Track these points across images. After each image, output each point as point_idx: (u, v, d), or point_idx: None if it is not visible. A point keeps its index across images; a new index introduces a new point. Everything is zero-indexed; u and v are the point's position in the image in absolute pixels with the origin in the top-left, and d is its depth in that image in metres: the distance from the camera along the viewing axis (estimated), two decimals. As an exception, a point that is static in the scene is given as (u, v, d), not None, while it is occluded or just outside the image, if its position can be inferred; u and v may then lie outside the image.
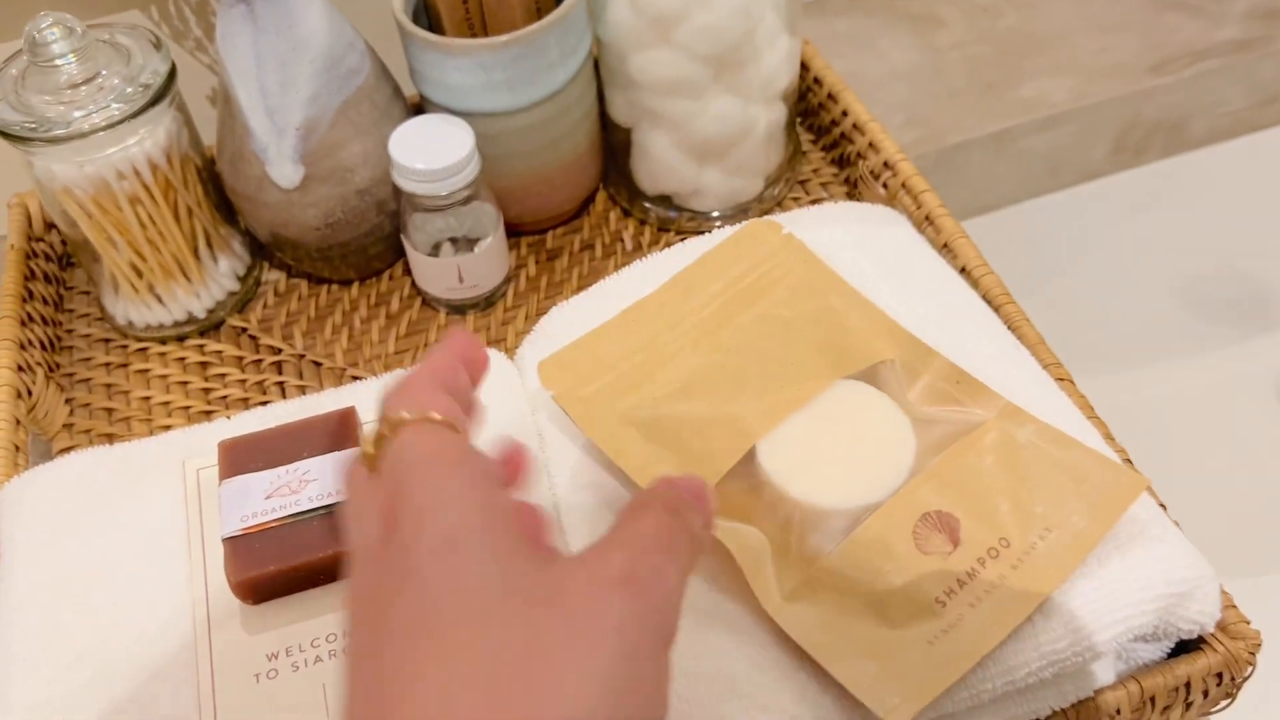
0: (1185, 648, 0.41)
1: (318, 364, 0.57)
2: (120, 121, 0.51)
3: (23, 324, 0.56)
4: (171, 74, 0.53)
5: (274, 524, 0.41)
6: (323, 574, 0.41)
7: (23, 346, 0.55)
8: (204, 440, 0.48)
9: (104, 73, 0.52)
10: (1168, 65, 0.71)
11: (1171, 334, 0.66)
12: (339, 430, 0.44)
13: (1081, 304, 0.67)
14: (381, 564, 0.26)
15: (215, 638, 0.40)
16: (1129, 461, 0.44)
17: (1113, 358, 0.64)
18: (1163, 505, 0.43)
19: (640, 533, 0.28)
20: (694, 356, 0.45)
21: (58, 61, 0.50)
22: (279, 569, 0.40)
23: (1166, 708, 0.40)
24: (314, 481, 0.42)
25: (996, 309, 0.50)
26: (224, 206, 0.59)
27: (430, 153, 0.52)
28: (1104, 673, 0.39)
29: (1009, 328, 0.49)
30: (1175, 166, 0.73)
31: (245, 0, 0.50)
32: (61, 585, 0.42)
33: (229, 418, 0.49)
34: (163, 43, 0.53)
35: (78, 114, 0.50)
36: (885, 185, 0.59)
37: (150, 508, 0.45)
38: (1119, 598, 0.38)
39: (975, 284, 0.52)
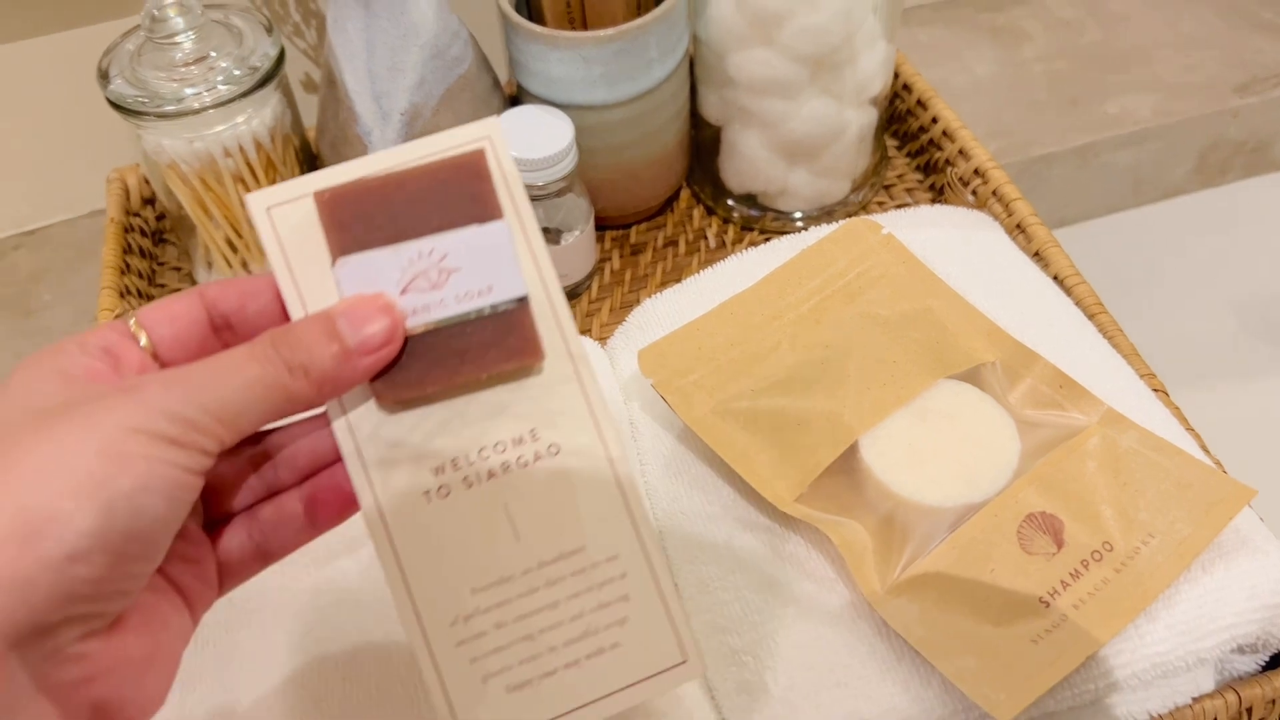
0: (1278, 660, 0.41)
1: (406, 347, 0.58)
2: (230, 100, 0.52)
3: (121, 296, 0.57)
4: (280, 57, 0.54)
5: (418, 331, 0.31)
6: (471, 388, 0.33)
7: (120, 319, 0.56)
8: None
9: (215, 53, 0.53)
10: (1253, 86, 0.71)
11: (1249, 352, 0.65)
12: (470, 189, 0.33)
13: (1161, 319, 0.67)
14: None
15: (365, 452, 0.32)
16: (1225, 473, 0.44)
17: (1191, 374, 0.64)
18: (1261, 518, 0.43)
19: (209, 388, 0.27)
20: (793, 351, 0.46)
21: (175, 38, 0.52)
22: (434, 390, 0.32)
23: (1262, 719, 0.40)
24: (457, 271, 0.32)
25: (1090, 318, 0.50)
26: (319, 189, 0.60)
27: (530, 143, 0.52)
28: (1204, 680, 0.39)
29: (1104, 337, 0.49)
30: (1257, 187, 0.73)
31: (359, -14, 0.51)
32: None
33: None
34: (274, 28, 0.54)
35: (190, 91, 0.51)
36: (975, 193, 0.59)
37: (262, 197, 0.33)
38: (1224, 605, 0.38)
39: (1068, 292, 0.52)
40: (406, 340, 0.31)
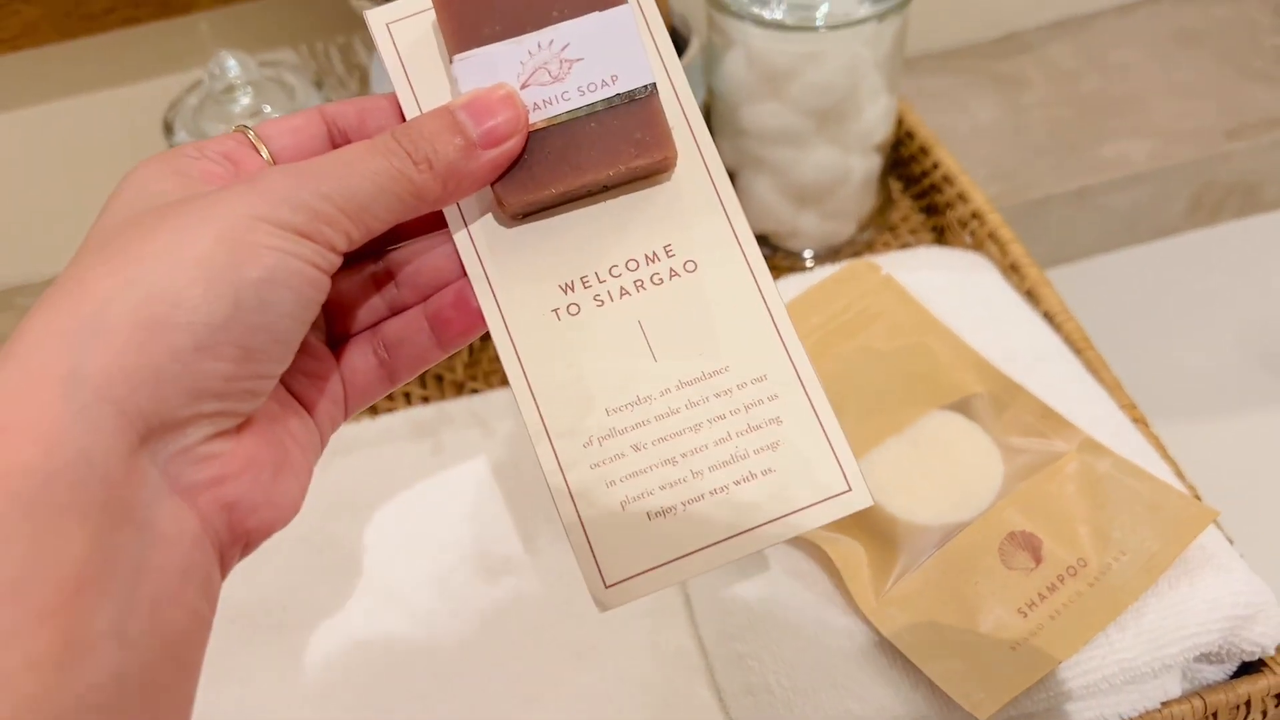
0: (1248, 670, 0.44)
1: (439, 377, 0.62)
2: (284, 150, 0.57)
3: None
4: (330, 109, 0.59)
5: (541, 126, 0.30)
6: (599, 189, 0.31)
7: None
8: None
9: (269, 107, 0.58)
10: (1244, 131, 0.74)
11: (1242, 387, 0.69)
12: None
13: (1155, 354, 0.71)
14: None
15: (487, 260, 0.31)
16: (1198, 497, 0.48)
17: (1184, 406, 0.68)
18: (1230, 539, 0.46)
19: (325, 181, 0.26)
20: (797, 382, 0.50)
21: (235, 94, 0.57)
22: (560, 191, 0.30)
23: (1228, 725, 0.43)
24: (579, 61, 0.30)
25: (1077, 353, 0.54)
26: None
27: None
28: (1171, 686, 0.42)
29: (1089, 371, 0.53)
30: (1249, 227, 0.76)
31: (403, 47, 0.56)
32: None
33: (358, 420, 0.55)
34: (324, 83, 0.59)
35: (247, 142, 0.56)
36: (972, 234, 0.63)
37: (381, 14, 0.33)
38: (1187, 616, 0.41)
39: (1058, 329, 0.56)
40: (528, 138, 0.30)
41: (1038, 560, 0.43)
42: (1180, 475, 0.49)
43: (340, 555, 0.50)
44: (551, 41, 0.30)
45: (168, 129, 0.57)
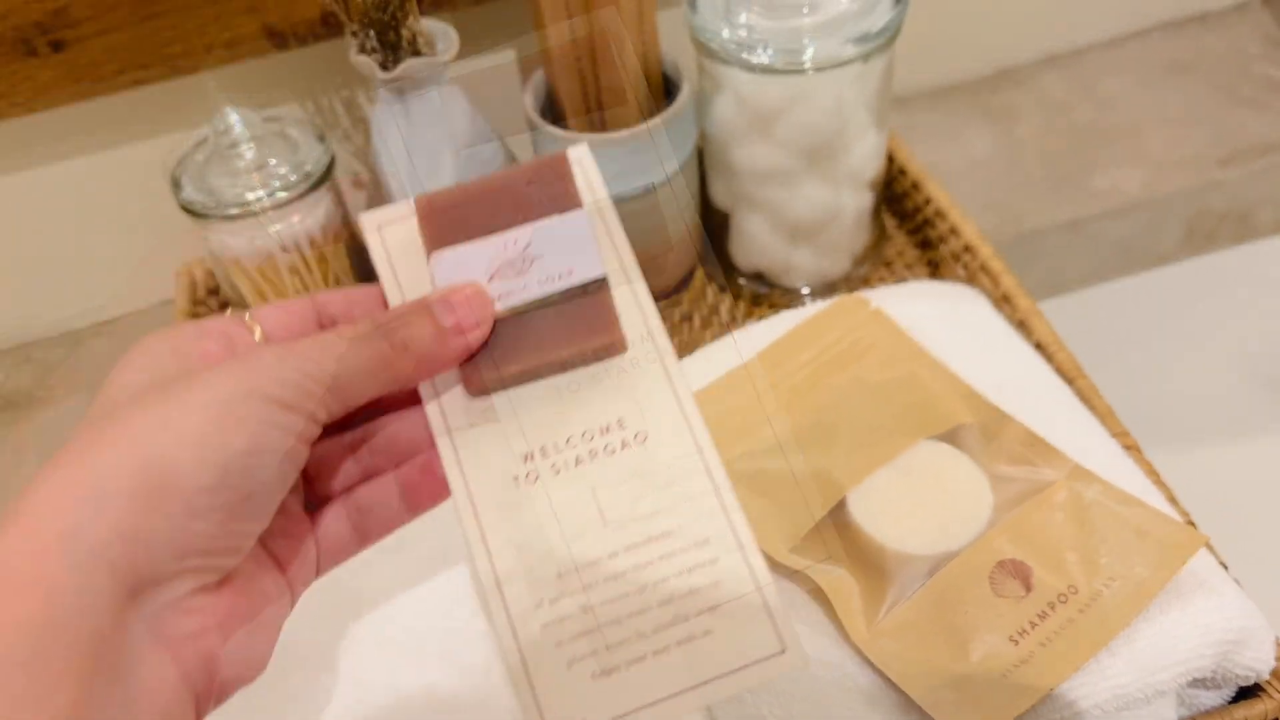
0: (1246, 695, 0.44)
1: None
2: (287, 203, 0.58)
3: (189, 377, 0.63)
4: (331, 163, 0.60)
5: (505, 314, 0.34)
6: (556, 368, 0.34)
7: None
8: None
9: (274, 160, 0.59)
10: (1236, 158, 0.75)
11: (1238, 413, 0.69)
12: (553, 185, 0.36)
13: (1151, 383, 0.71)
14: None
15: (456, 439, 0.34)
16: (1191, 523, 0.48)
17: (1180, 434, 0.68)
18: (1224, 564, 0.46)
19: (305, 358, 0.30)
20: (789, 416, 0.50)
21: (240, 149, 0.58)
22: (520, 369, 0.33)
23: (1225, 750, 0.43)
24: (539, 258, 0.34)
25: (1069, 382, 0.55)
26: (365, 277, 0.66)
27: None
28: (1167, 712, 0.42)
29: (1081, 400, 0.53)
30: (1244, 254, 0.77)
31: (400, 99, 0.57)
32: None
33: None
34: (325, 136, 0.61)
35: (251, 195, 0.58)
36: (965, 266, 0.64)
37: (373, 217, 0.38)
38: (1179, 642, 0.41)
39: (1049, 359, 0.56)
40: (495, 324, 0.33)
41: (1028, 588, 0.43)
42: (1173, 501, 0.49)
43: (343, 596, 0.50)
44: (516, 241, 0.34)
45: (175, 184, 0.59)
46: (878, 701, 0.42)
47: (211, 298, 0.71)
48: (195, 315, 0.68)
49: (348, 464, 0.34)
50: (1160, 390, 0.70)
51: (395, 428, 0.34)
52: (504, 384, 0.34)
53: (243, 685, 0.30)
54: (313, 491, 0.34)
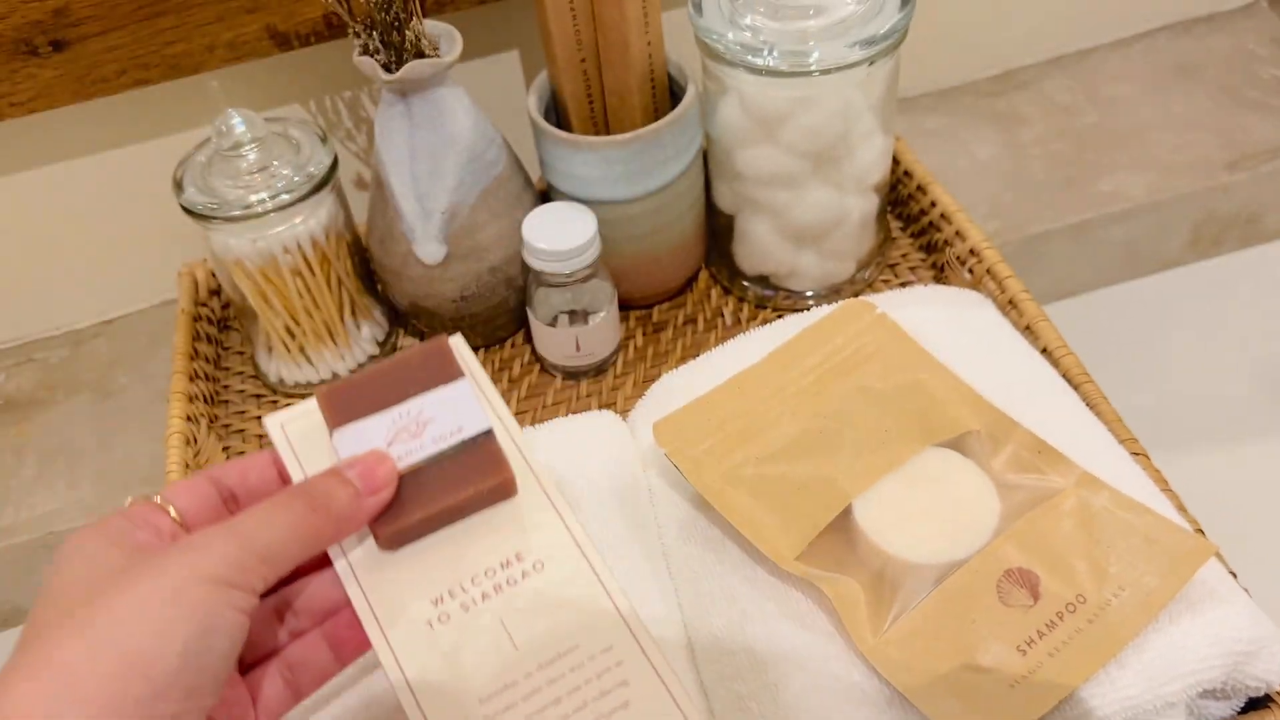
0: (1256, 705, 0.44)
1: (447, 422, 0.63)
2: (289, 205, 0.58)
3: (191, 379, 0.63)
4: (334, 165, 0.60)
5: (404, 471, 0.38)
6: (456, 515, 0.39)
7: (190, 399, 0.62)
8: None
9: (277, 162, 0.59)
10: (1243, 162, 0.75)
11: (1244, 419, 0.68)
12: (438, 363, 0.41)
13: (1157, 387, 0.71)
14: None
15: (367, 586, 0.37)
16: (1200, 531, 0.48)
17: (1187, 440, 0.67)
18: (1233, 573, 0.46)
19: (254, 533, 0.33)
20: (795, 422, 0.50)
21: (241, 150, 0.58)
22: (424, 516, 0.38)
23: (1235, 761, 0.43)
24: (432, 421, 0.39)
25: (1076, 387, 0.54)
26: (367, 278, 0.66)
27: (558, 235, 0.58)
28: (1175, 723, 0.42)
29: (1087, 405, 0.53)
30: (1251, 258, 0.76)
31: (404, 100, 0.57)
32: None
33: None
34: (328, 138, 0.61)
35: (253, 197, 0.58)
36: (971, 270, 0.63)
37: (276, 415, 0.41)
38: (1189, 652, 0.41)
39: (1056, 364, 0.56)
40: (398, 481, 0.38)
41: (1035, 597, 0.43)
42: (1182, 509, 0.49)
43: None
44: (409, 410, 0.39)
45: (178, 186, 0.59)
46: (884, 712, 0.41)
47: (214, 298, 0.70)
48: (197, 316, 0.68)
49: (277, 628, 0.37)
50: (1166, 395, 0.70)
51: (314, 587, 0.38)
52: (410, 534, 0.38)
53: None
54: (246, 655, 0.36)
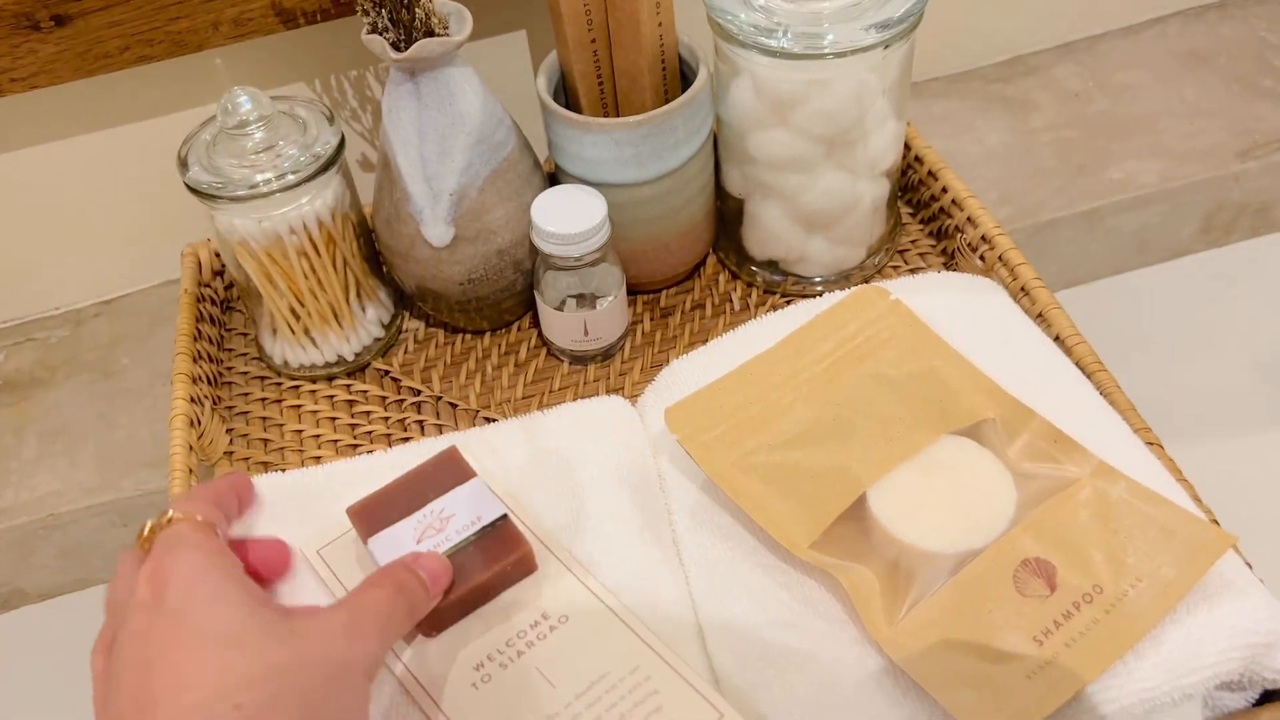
0: (1271, 697, 0.43)
1: (454, 405, 0.62)
2: (295, 185, 0.57)
3: (194, 360, 0.62)
4: (340, 145, 0.59)
5: None
6: (486, 593, 0.46)
7: (194, 381, 0.61)
8: (359, 473, 0.53)
9: (283, 141, 0.58)
10: (1255, 151, 0.74)
11: (1256, 408, 0.68)
12: (450, 468, 0.48)
13: (1168, 377, 0.70)
14: (153, 615, 0.36)
15: (414, 668, 0.44)
16: (1215, 522, 0.47)
17: (1198, 429, 0.67)
18: (1248, 564, 0.46)
19: (365, 603, 0.40)
20: (807, 409, 0.50)
21: (247, 129, 0.57)
22: (459, 595, 0.44)
23: (1250, 753, 0.43)
24: (453, 516, 0.47)
25: (1089, 376, 0.54)
26: (373, 260, 0.65)
27: (567, 219, 0.57)
28: (1192, 715, 0.41)
29: (1101, 394, 0.53)
30: (1261, 246, 0.76)
31: (412, 79, 0.56)
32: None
33: (376, 450, 0.55)
34: (335, 117, 0.60)
35: (259, 177, 0.57)
36: (982, 258, 0.63)
37: (310, 542, 0.49)
38: (1207, 644, 0.41)
39: (1069, 352, 0.55)
40: None
41: (1052, 587, 0.42)
42: (1197, 499, 0.48)
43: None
44: (432, 510, 0.47)
45: (182, 164, 0.58)
46: (899, 702, 0.41)
47: (217, 279, 0.70)
48: (201, 297, 0.67)
49: None
50: (1175, 385, 0.69)
51: None
52: (448, 617, 0.45)
53: None
54: None
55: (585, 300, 0.61)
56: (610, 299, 0.61)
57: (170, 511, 0.41)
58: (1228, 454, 0.67)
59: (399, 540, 0.46)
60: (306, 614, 0.38)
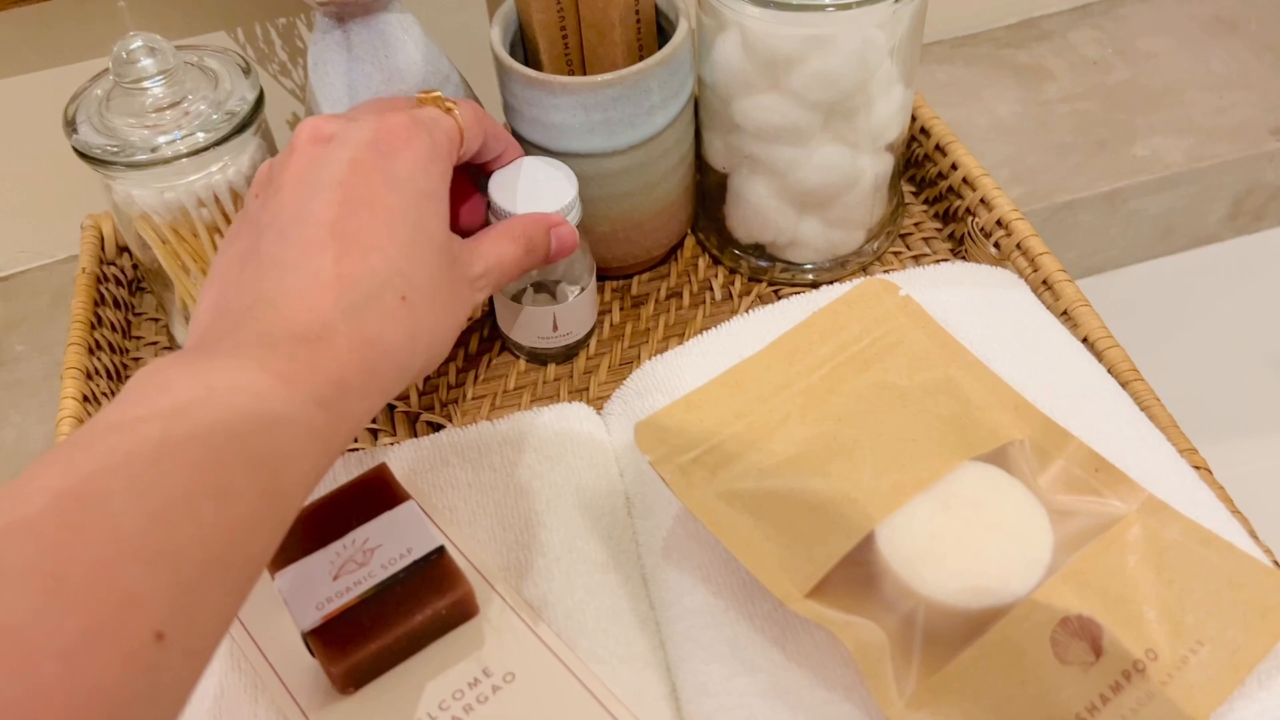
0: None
1: (391, 407, 0.54)
2: (205, 149, 0.49)
3: (90, 351, 0.54)
4: (259, 102, 0.51)
5: (354, 602, 0.38)
6: (416, 641, 0.39)
7: (89, 376, 0.53)
8: None
9: (190, 97, 0.50)
10: (1290, 127, 0.67)
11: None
12: (378, 490, 0.42)
13: (1190, 372, 0.64)
14: (377, 159, 0.37)
15: None
16: (1277, 562, 0.40)
17: (1220, 429, 0.61)
18: (1319, 616, 0.39)
19: (495, 261, 0.41)
20: (802, 426, 0.42)
21: (145, 84, 0.48)
22: (381, 645, 0.37)
23: None
24: (378, 548, 0.40)
25: (1124, 385, 0.47)
26: (302, 238, 0.57)
27: (531, 198, 0.49)
28: (1264, 808, 0.35)
29: (1139, 407, 0.45)
30: (1296, 234, 0.69)
31: (341, 27, 0.48)
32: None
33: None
34: (252, 69, 0.51)
35: (162, 139, 0.48)
36: (997, 245, 0.55)
37: None
38: (1285, 726, 0.34)
39: (1099, 357, 0.48)
40: (349, 612, 0.38)
41: (1098, 652, 0.35)
42: (1254, 536, 0.41)
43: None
44: (354, 540, 0.40)
45: (70, 125, 0.49)
46: (915, 793, 0.34)
47: (124, 255, 0.61)
48: (103, 277, 0.58)
49: None
50: (1201, 382, 0.63)
51: None
52: (367, 671, 0.38)
53: None
54: None
55: (545, 289, 0.53)
56: (580, 289, 0.53)
57: (450, 103, 0.42)
58: (1253, 454, 0.60)
59: (311, 577, 0.39)
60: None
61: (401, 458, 0.46)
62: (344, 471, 0.44)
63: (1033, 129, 0.69)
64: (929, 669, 0.36)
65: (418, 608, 0.38)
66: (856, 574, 0.38)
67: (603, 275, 0.59)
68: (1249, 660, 0.35)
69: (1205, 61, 0.72)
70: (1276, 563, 0.41)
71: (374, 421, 0.53)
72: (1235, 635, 0.35)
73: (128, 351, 0.58)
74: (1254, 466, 0.60)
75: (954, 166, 0.59)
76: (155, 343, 0.59)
